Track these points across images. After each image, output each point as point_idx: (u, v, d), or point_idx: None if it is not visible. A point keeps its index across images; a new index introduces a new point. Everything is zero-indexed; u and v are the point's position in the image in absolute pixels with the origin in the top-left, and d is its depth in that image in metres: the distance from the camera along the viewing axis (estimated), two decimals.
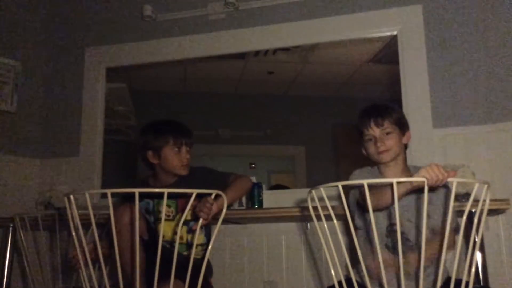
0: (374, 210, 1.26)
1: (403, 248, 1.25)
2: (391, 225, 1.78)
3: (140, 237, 1.94)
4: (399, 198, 1.26)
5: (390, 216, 1.79)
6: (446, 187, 1.78)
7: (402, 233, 1.25)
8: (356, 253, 1.34)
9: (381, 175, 1.87)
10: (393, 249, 1.77)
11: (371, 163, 1.93)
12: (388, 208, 1.74)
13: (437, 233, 1.78)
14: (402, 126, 1.87)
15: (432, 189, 1.26)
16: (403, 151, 1.88)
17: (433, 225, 1.78)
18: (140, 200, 1.93)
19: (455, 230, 1.75)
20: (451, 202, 1.23)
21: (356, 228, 1.78)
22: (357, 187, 1.78)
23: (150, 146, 2.03)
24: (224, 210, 1.47)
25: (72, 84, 3.07)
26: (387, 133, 1.82)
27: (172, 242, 2.01)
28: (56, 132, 3.04)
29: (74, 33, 3.17)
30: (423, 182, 1.30)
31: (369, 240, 1.81)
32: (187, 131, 2.09)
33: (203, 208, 1.70)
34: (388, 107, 1.88)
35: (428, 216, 1.67)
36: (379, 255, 1.26)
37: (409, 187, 1.42)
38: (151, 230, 2.02)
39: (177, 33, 2.97)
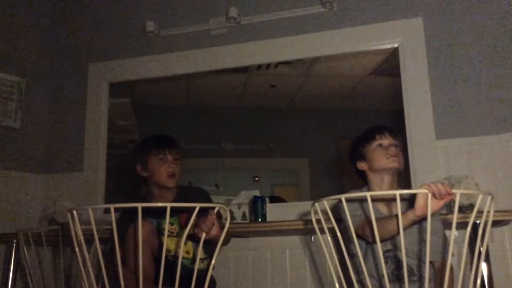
0: (379, 241, 1.26)
1: (402, 274, 1.24)
2: (388, 251, 1.78)
3: (153, 253, 1.95)
4: (403, 230, 1.26)
5: (386, 243, 1.79)
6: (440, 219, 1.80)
7: (401, 258, 1.24)
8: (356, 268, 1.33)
9: (376, 199, 1.87)
10: (391, 275, 1.76)
11: (361, 184, 1.96)
12: (391, 239, 1.74)
13: (435, 267, 1.78)
14: (400, 147, 1.93)
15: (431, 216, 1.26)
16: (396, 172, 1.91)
17: (431, 255, 1.77)
18: (144, 218, 1.93)
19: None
20: (453, 230, 1.23)
21: (353, 256, 1.78)
22: (356, 216, 1.77)
23: (138, 160, 2.07)
24: (225, 231, 1.45)
25: (76, 99, 3.09)
26: (396, 146, 1.88)
27: (178, 257, 2.01)
28: (59, 148, 3.05)
29: (77, 49, 3.19)
30: (426, 193, 1.30)
31: (369, 265, 1.80)
32: (170, 141, 2.11)
33: (204, 227, 1.69)
34: None
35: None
36: (386, 277, 1.25)
37: (415, 218, 1.42)
38: (160, 247, 2.02)
39: (180, 48, 2.99)
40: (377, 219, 1.59)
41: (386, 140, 1.88)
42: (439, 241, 1.80)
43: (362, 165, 1.92)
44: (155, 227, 2.02)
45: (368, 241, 1.74)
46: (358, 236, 1.76)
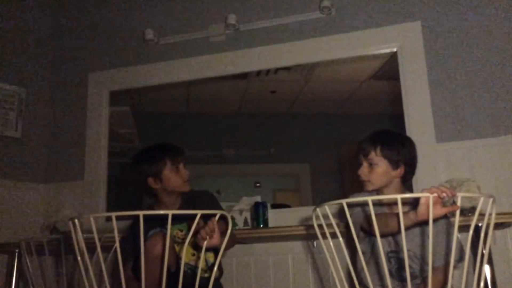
0: (380, 236, 1.26)
1: (406, 275, 1.24)
2: (392, 252, 1.79)
3: (168, 269, 1.94)
4: (405, 229, 1.26)
5: (391, 243, 1.80)
6: (447, 217, 1.79)
7: (404, 260, 1.24)
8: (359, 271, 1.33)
9: (379, 204, 1.87)
10: (395, 274, 1.77)
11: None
12: (392, 235, 1.74)
13: (438, 269, 1.76)
14: (393, 161, 1.84)
15: (433, 221, 1.25)
16: (394, 182, 1.86)
17: (435, 261, 1.76)
18: (151, 228, 1.93)
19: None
20: (455, 231, 1.22)
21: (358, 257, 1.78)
22: (359, 211, 1.78)
23: (149, 173, 2.06)
24: (227, 238, 1.46)
25: (76, 108, 3.10)
26: (371, 164, 1.84)
27: (192, 266, 2.03)
28: (60, 157, 3.06)
29: (77, 58, 3.21)
30: (428, 197, 1.30)
31: (373, 263, 1.80)
32: (179, 149, 2.14)
33: (202, 234, 1.69)
34: (385, 139, 1.87)
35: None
36: (387, 277, 1.25)
37: (414, 220, 1.43)
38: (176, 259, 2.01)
39: (179, 55, 3.00)
40: (380, 215, 1.59)
41: (360, 159, 1.87)
42: (442, 246, 1.79)
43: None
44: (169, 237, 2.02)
45: (372, 234, 1.75)
46: (364, 230, 1.79)
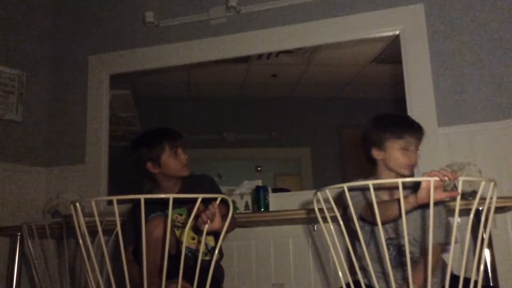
0: (381, 223, 1.26)
1: (405, 260, 1.25)
2: (389, 239, 1.79)
3: (168, 252, 1.95)
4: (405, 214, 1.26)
5: (388, 231, 1.80)
6: (443, 203, 1.79)
7: (403, 245, 1.24)
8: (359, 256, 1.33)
9: (379, 188, 1.86)
10: (394, 261, 1.77)
11: (371, 171, 1.93)
12: (394, 226, 1.74)
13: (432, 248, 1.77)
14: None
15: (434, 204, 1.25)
16: None
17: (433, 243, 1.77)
18: (151, 212, 1.94)
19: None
20: (456, 215, 1.22)
21: (358, 240, 1.78)
22: (360, 200, 1.78)
23: (148, 158, 2.06)
24: (228, 221, 1.46)
25: (77, 91, 3.09)
26: (417, 150, 1.85)
27: (193, 250, 2.04)
28: (61, 140, 3.06)
29: (77, 41, 3.19)
30: (429, 181, 1.29)
31: (372, 252, 1.81)
32: (178, 134, 2.14)
33: (203, 217, 1.69)
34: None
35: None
36: (389, 266, 1.25)
37: (414, 204, 1.43)
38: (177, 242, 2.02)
39: (180, 38, 2.98)
40: (379, 202, 1.59)
41: (411, 145, 1.83)
42: (440, 227, 1.80)
43: (377, 154, 1.87)
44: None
45: (372, 223, 1.75)
46: (363, 219, 1.79)
